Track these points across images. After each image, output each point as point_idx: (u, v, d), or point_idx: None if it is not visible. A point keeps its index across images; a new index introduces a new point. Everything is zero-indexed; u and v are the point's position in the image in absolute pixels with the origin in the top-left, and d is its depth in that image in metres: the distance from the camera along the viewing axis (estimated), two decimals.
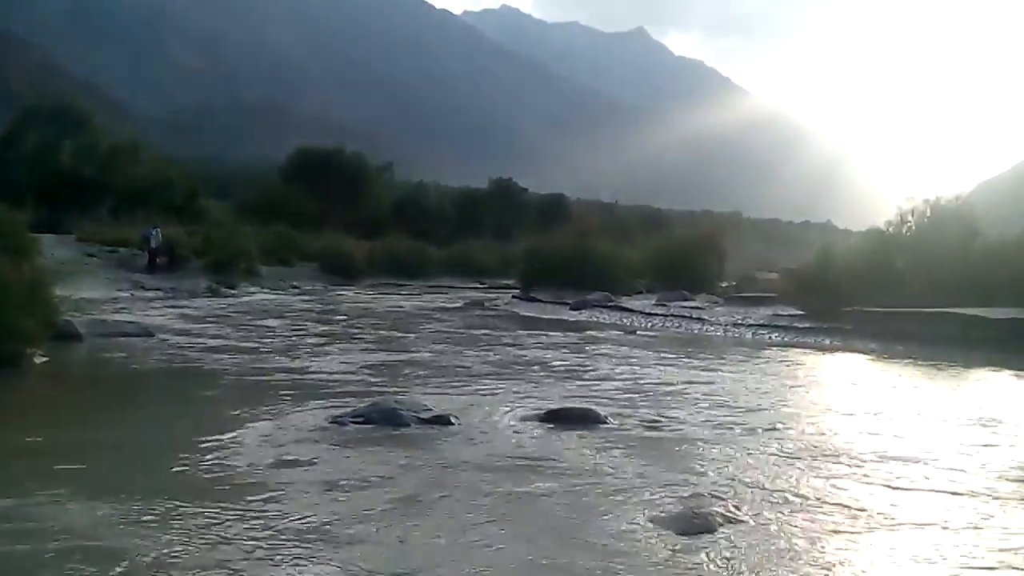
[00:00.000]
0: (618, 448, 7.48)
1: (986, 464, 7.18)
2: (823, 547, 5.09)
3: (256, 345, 14.67)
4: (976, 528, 5.50)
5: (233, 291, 29.02)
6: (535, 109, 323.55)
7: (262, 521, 5.23)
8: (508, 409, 9.11)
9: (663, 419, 8.84)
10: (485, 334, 18.18)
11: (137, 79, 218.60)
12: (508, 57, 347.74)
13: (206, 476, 6.28)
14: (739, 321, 20.94)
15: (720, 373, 12.77)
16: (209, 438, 7.40)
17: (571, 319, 23.18)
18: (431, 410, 8.59)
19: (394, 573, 4.51)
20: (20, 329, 10.69)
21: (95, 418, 8.61)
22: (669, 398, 10.27)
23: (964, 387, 12.49)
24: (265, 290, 31.02)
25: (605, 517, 5.52)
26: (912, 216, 22.23)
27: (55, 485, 5.81)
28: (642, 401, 9.98)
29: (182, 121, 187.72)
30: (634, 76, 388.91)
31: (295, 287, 33.63)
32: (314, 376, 11.42)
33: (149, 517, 5.20)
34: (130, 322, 16.59)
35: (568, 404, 9.22)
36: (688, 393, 10.70)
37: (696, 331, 20.50)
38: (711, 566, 4.74)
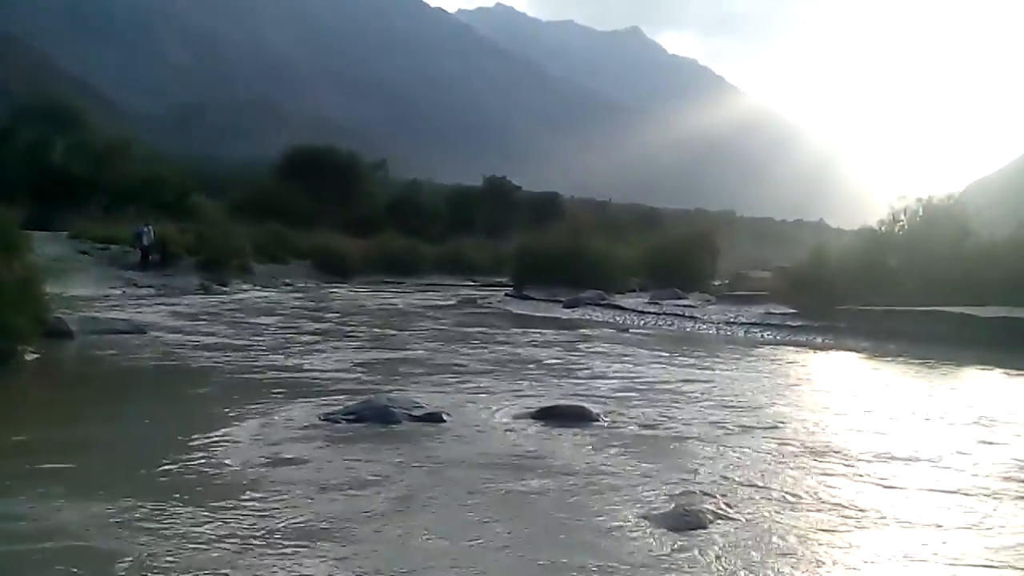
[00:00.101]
0: (610, 446, 7.48)
1: (978, 463, 7.20)
2: (814, 545, 5.10)
3: (248, 342, 14.64)
4: (967, 526, 5.52)
5: (225, 289, 28.97)
6: (529, 107, 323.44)
7: (253, 520, 5.21)
8: (500, 407, 9.11)
9: (656, 417, 8.85)
10: (478, 332, 18.17)
11: (131, 77, 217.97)
12: (502, 55, 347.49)
13: (197, 474, 6.26)
14: (732, 319, 20.98)
15: (713, 371, 12.79)
16: (200, 436, 7.38)
17: (564, 317, 23.19)
18: (423, 407, 8.58)
19: (388, 572, 4.51)
20: (11, 326, 10.64)
21: (86, 416, 8.58)
22: (662, 396, 10.27)
23: (956, 386, 12.52)
24: (258, 288, 30.97)
25: (597, 514, 5.52)
26: (904, 215, 22.32)
27: (46, 484, 5.78)
28: (635, 399, 9.98)
29: (175, 119, 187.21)
30: (628, 75, 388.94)
31: (288, 285, 33.60)
32: (306, 374, 11.40)
33: (141, 517, 5.18)
34: (122, 319, 16.54)
35: (561, 402, 9.21)
36: (681, 391, 10.71)
37: (689, 329, 20.52)
38: (702, 563, 4.74)
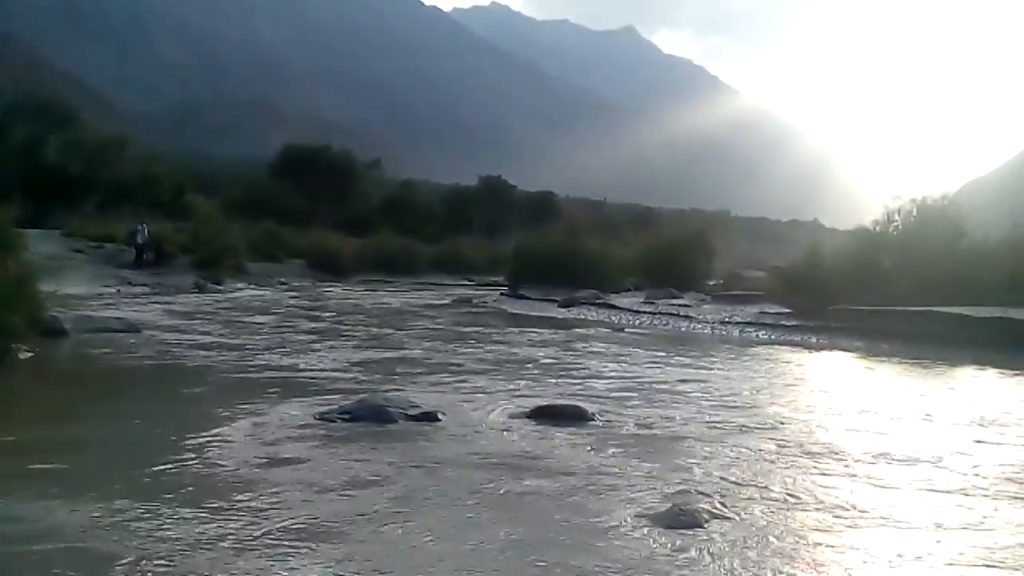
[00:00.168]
0: (606, 445, 7.49)
1: (973, 463, 7.21)
2: (810, 544, 5.10)
3: (243, 341, 14.61)
4: (961, 526, 5.53)
5: (220, 287, 28.91)
6: (524, 107, 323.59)
7: (249, 521, 5.19)
8: (496, 406, 9.11)
9: (651, 416, 8.86)
10: (474, 331, 18.16)
11: (125, 75, 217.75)
12: (497, 54, 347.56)
13: (192, 475, 6.24)
14: (726, 319, 21.00)
15: (708, 371, 12.80)
16: (195, 435, 7.37)
17: (559, 316, 23.19)
18: (419, 407, 8.57)
19: (386, 574, 4.51)
20: (6, 325, 10.61)
21: (81, 415, 8.57)
22: (657, 396, 10.28)
23: (950, 386, 12.55)
24: (252, 287, 30.91)
25: (593, 514, 5.52)
26: (899, 215, 22.34)
27: (40, 484, 5.76)
28: (631, 398, 9.99)
29: (171, 118, 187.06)
30: (623, 74, 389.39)
31: (283, 284, 33.53)
32: (302, 373, 11.39)
33: (136, 518, 5.15)
34: (116, 318, 16.50)
35: (557, 401, 9.21)
36: (676, 391, 10.72)
37: (684, 329, 20.54)
38: (697, 562, 4.75)
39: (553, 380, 11.40)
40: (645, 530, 5.22)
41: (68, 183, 40.61)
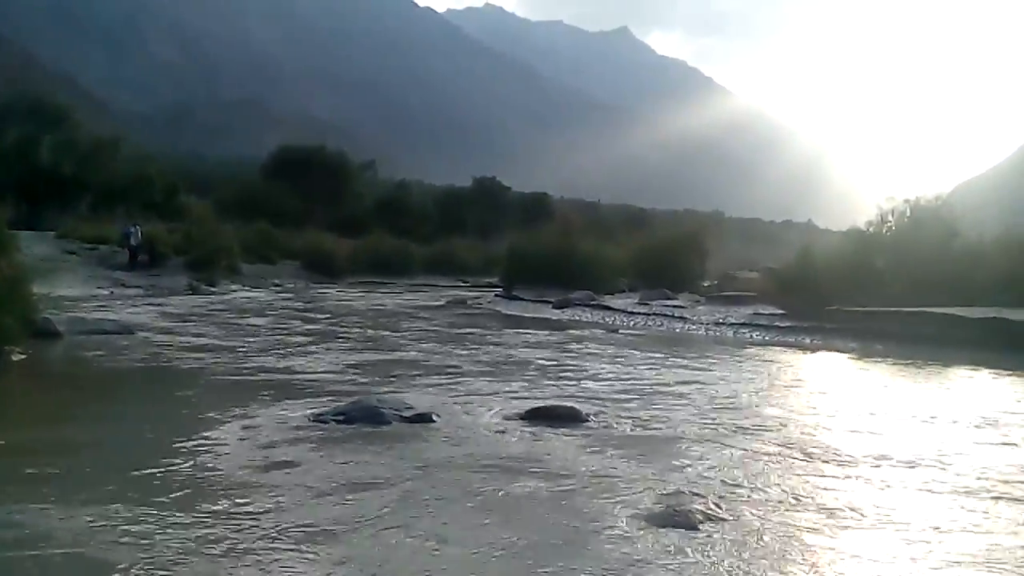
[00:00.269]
0: (601, 447, 7.48)
1: (967, 463, 7.23)
2: (803, 545, 5.11)
3: (237, 343, 14.58)
4: (957, 527, 5.54)
5: (214, 289, 28.86)
6: (518, 107, 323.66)
7: (243, 525, 5.17)
8: (490, 407, 9.11)
9: (646, 417, 8.86)
10: (468, 333, 18.16)
11: (118, 76, 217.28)
12: (491, 55, 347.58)
13: (186, 478, 6.21)
14: (720, 320, 21.02)
15: (702, 372, 12.81)
16: (189, 437, 7.35)
17: (554, 318, 23.19)
18: (413, 408, 8.57)
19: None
20: None
21: (74, 417, 8.53)
22: (651, 397, 10.28)
23: (944, 387, 12.57)
24: (246, 288, 30.86)
25: (587, 515, 5.52)
26: (892, 216, 22.39)
27: (33, 488, 5.73)
28: (624, 400, 9.99)
29: (163, 118, 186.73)
30: (617, 75, 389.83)
31: (277, 285, 33.50)
32: (296, 375, 11.37)
33: (130, 522, 5.12)
34: (110, 320, 16.46)
35: (550, 403, 9.21)
36: (670, 392, 10.72)
37: (678, 330, 20.56)
38: (691, 563, 4.75)
39: (547, 381, 11.39)
40: (639, 531, 5.21)
41: (61, 184, 40.52)
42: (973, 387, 12.40)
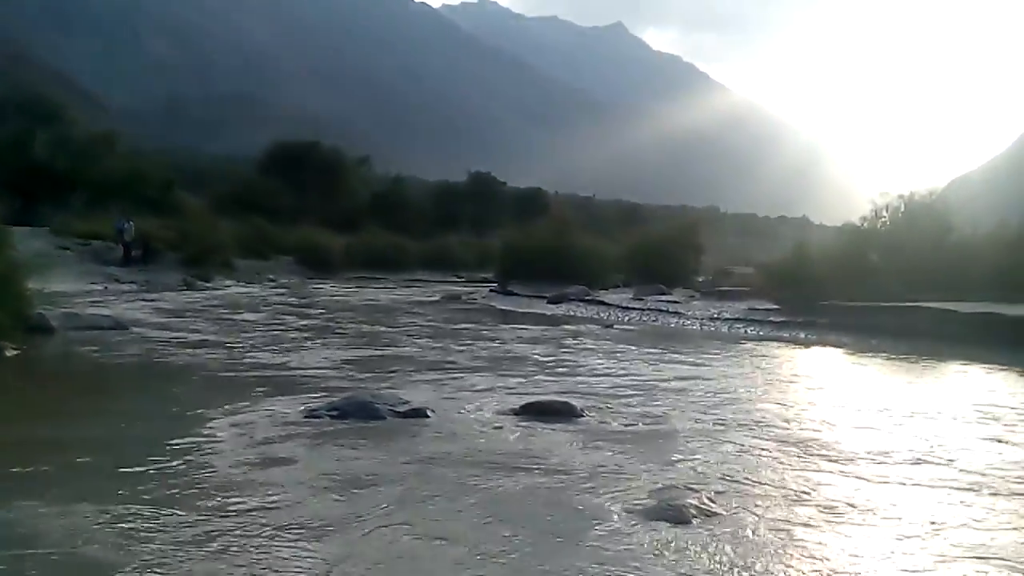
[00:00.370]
0: (595, 442, 7.49)
1: (960, 458, 7.24)
2: (796, 539, 5.12)
3: (231, 339, 14.56)
4: (950, 521, 5.54)
5: (208, 285, 28.84)
6: (513, 103, 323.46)
7: (238, 521, 5.16)
8: (485, 402, 9.11)
9: (640, 413, 8.87)
10: (462, 328, 18.16)
11: (111, 71, 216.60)
12: (486, 51, 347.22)
13: (180, 474, 6.20)
14: (715, 315, 21.05)
15: (697, 367, 12.82)
16: (183, 434, 7.34)
17: (548, 313, 23.21)
18: (407, 403, 8.56)
19: (376, 572, 4.49)
20: None
21: (68, 413, 8.51)
22: (646, 392, 10.29)
23: (937, 381, 12.61)
24: (241, 284, 30.86)
25: (580, 510, 5.52)
26: (887, 212, 22.45)
27: (27, 485, 5.70)
28: (619, 395, 10.00)
29: (156, 113, 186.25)
30: (612, 71, 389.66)
31: (271, 281, 33.47)
32: (290, 370, 11.36)
33: (124, 519, 5.09)
34: (104, 315, 16.43)
35: (545, 397, 9.21)
36: (665, 387, 10.73)
37: (673, 325, 20.58)
38: (685, 558, 4.75)
39: (542, 376, 11.39)
40: (633, 526, 5.22)
41: (55, 180, 40.35)
42: (966, 382, 12.43)
